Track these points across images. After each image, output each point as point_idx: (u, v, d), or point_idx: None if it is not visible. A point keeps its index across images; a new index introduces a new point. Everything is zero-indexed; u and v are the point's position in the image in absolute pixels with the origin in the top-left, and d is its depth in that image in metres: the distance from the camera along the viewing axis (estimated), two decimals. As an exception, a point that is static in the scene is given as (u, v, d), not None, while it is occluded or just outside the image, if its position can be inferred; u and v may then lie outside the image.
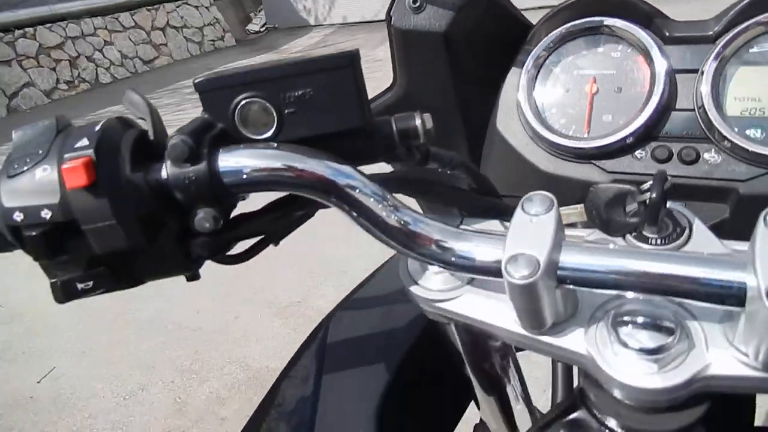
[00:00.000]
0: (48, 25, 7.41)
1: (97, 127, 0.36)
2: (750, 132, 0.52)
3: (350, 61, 0.40)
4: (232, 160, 0.37)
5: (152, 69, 8.47)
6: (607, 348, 0.34)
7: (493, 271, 0.35)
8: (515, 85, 0.62)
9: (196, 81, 0.39)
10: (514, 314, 0.37)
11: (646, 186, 0.38)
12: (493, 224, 0.44)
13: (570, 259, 0.33)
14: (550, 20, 0.61)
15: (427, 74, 0.64)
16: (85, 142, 0.35)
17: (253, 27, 10.35)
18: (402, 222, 0.37)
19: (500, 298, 0.39)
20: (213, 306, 2.78)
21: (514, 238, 0.34)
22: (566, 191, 0.57)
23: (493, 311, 0.39)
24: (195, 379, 2.35)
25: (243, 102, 0.39)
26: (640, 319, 0.34)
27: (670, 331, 0.33)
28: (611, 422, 0.39)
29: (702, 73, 0.54)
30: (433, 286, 0.41)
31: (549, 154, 0.60)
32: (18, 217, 0.35)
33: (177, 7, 9.03)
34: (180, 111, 5.93)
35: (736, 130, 0.52)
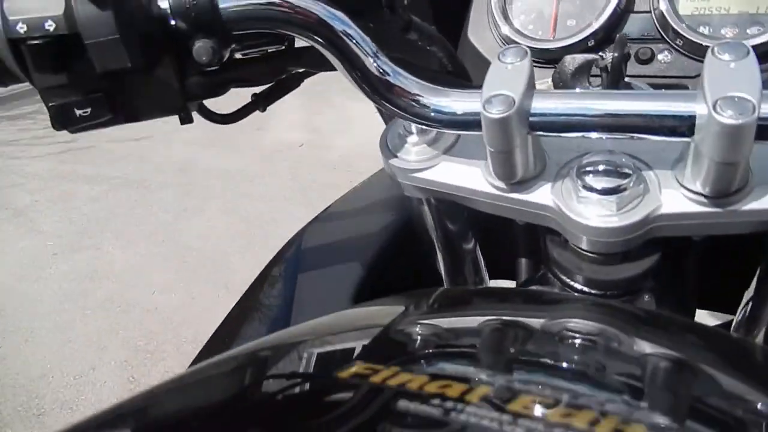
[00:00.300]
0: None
1: None
2: (701, 29, 0.56)
3: None
4: None
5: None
6: (571, 198, 0.38)
7: (471, 123, 0.37)
8: None
9: None
10: (488, 171, 0.40)
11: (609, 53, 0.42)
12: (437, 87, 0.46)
13: (540, 104, 0.36)
14: None
15: None
16: None
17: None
18: (384, 73, 0.39)
19: (473, 164, 0.41)
20: (170, 287, 2.72)
21: (491, 83, 0.35)
22: None
23: (467, 175, 0.41)
24: (150, 358, 2.30)
25: None
26: (601, 167, 0.37)
27: (627, 176, 0.36)
28: (572, 277, 0.43)
29: None
30: (411, 157, 0.43)
31: None
32: (21, 28, 0.34)
33: None
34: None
35: (688, 27, 0.55)
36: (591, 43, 0.58)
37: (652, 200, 0.36)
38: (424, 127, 0.41)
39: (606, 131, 0.35)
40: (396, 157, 0.44)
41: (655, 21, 0.57)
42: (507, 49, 0.37)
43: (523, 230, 0.61)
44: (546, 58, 0.60)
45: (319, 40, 0.39)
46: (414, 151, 0.43)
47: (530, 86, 0.36)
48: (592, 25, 0.58)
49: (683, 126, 0.33)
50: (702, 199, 0.35)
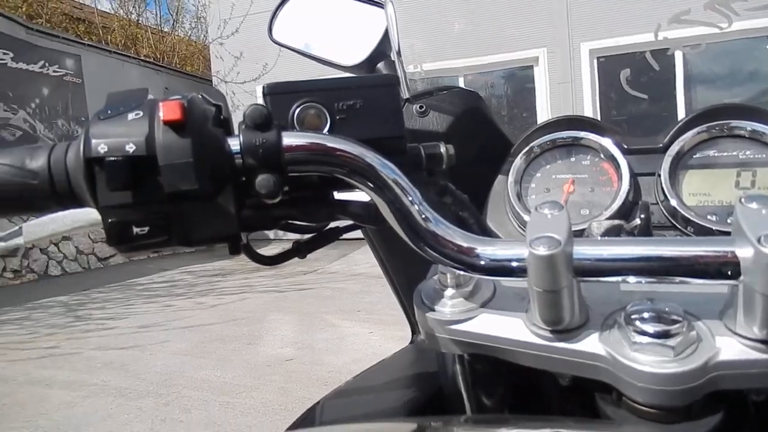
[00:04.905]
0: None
1: (187, 93, 0.41)
2: (709, 217, 0.61)
3: (395, 81, 0.49)
4: (294, 137, 0.41)
5: (106, 266, 8.47)
6: (623, 345, 0.37)
7: (515, 269, 0.38)
8: (503, 187, 0.70)
9: (265, 85, 0.47)
10: (530, 321, 0.40)
11: (634, 219, 0.44)
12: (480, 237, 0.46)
13: (585, 249, 0.37)
14: (529, 137, 0.72)
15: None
16: (178, 97, 0.39)
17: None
18: (428, 220, 0.41)
19: (514, 315, 0.41)
20: None
21: (534, 228, 0.37)
22: None
23: (508, 326, 0.41)
24: None
25: (303, 105, 0.46)
26: (650, 314, 0.37)
27: (678, 322, 0.36)
28: None
29: (659, 175, 0.64)
30: (448, 310, 0.43)
31: None
32: (102, 148, 0.37)
33: (142, 212, 9.36)
34: (129, 305, 5.81)
35: (697, 215, 0.60)
36: None
37: (708, 347, 0.35)
38: (467, 274, 0.41)
39: (652, 275, 0.36)
40: (433, 310, 0.43)
41: (663, 210, 0.63)
42: (543, 203, 0.41)
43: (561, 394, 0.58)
44: None
45: (370, 185, 0.41)
46: (451, 304, 0.43)
47: (572, 233, 0.37)
48: (603, 215, 0.63)
49: (729, 268, 0.34)
50: (760, 345, 0.35)
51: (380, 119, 0.47)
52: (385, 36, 0.76)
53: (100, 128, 0.38)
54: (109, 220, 0.38)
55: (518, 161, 0.70)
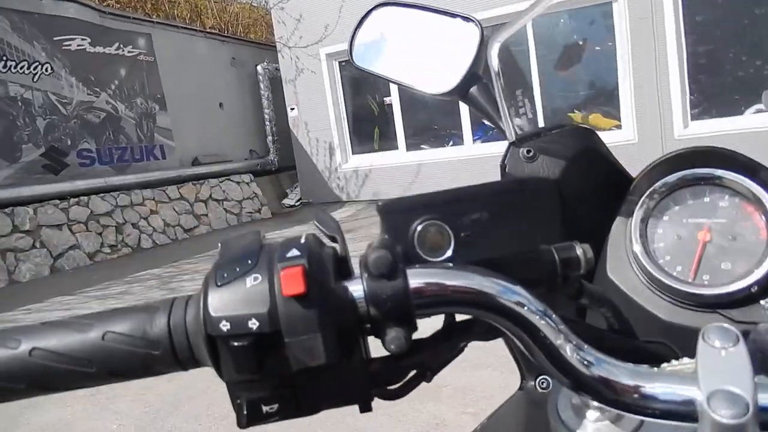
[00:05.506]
0: (101, 195, 7.98)
1: (303, 240, 0.36)
2: None
3: (523, 186, 0.44)
4: (422, 280, 0.36)
5: (191, 236, 8.90)
6: None
7: (686, 414, 0.32)
8: (623, 234, 0.61)
9: (379, 204, 0.42)
10: None
11: None
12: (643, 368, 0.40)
13: None
14: (649, 173, 0.62)
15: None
16: (296, 252, 0.35)
17: (288, 201, 11.01)
18: (579, 357, 0.35)
19: None
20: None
21: (708, 373, 0.32)
22: (684, 341, 0.53)
23: None
24: None
25: (422, 224, 0.41)
26: None
27: None
28: None
29: None
30: None
31: (666, 302, 0.57)
32: (225, 326, 0.34)
33: (220, 182, 9.76)
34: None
35: None
36: (755, 289, 0.53)
37: None
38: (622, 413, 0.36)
39: None
40: None
41: None
42: (711, 328, 0.34)
43: None
44: (700, 302, 0.55)
45: (509, 324, 0.37)
46: (594, 429, 0.39)
47: (753, 375, 0.31)
48: (756, 272, 0.53)
49: None
50: None
51: (509, 231, 0.42)
52: (479, 55, 0.69)
53: (219, 299, 0.34)
54: (238, 401, 0.35)
55: (640, 206, 0.61)
